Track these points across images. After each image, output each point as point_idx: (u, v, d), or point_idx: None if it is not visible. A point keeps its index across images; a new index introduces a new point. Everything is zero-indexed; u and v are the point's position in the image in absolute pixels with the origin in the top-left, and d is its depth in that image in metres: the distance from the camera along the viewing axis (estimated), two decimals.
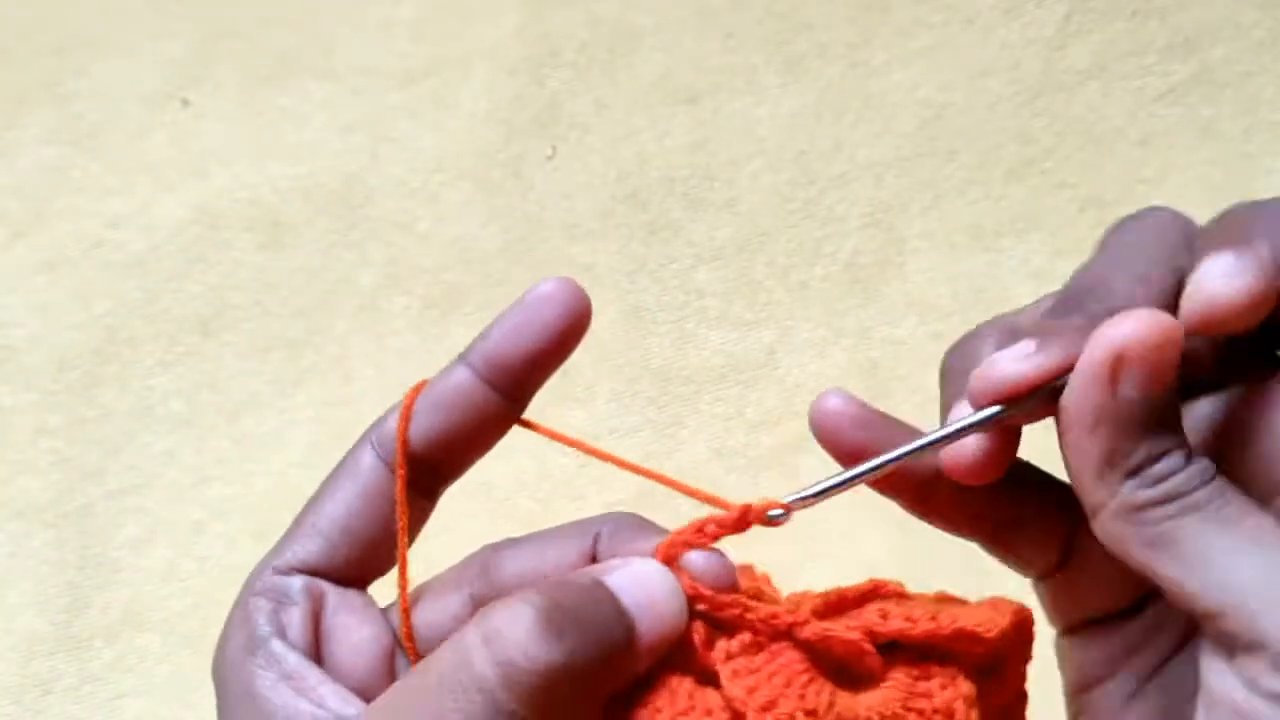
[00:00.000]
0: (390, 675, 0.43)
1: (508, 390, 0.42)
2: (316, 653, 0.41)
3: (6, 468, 0.87)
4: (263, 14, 1.05)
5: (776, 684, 0.36)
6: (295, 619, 0.41)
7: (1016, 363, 0.37)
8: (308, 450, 0.85)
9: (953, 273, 0.87)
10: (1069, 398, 0.35)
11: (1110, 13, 0.97)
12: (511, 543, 0.44)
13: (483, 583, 0.43)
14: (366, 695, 0.40)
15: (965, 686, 0.38)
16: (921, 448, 0.38)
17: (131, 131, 1.01)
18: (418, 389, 0.42)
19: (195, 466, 0.86)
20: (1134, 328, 0.35)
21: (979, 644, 0.38)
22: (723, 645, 0.37)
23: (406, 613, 0.43)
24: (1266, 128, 0.91)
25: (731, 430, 0.84)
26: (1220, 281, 0.36)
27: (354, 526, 0.42)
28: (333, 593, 0.42)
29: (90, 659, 0.81)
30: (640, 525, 0.43)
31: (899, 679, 0.38)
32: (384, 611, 0.44)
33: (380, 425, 0.43)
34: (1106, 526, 0.36)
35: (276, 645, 0.40)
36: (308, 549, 0.42)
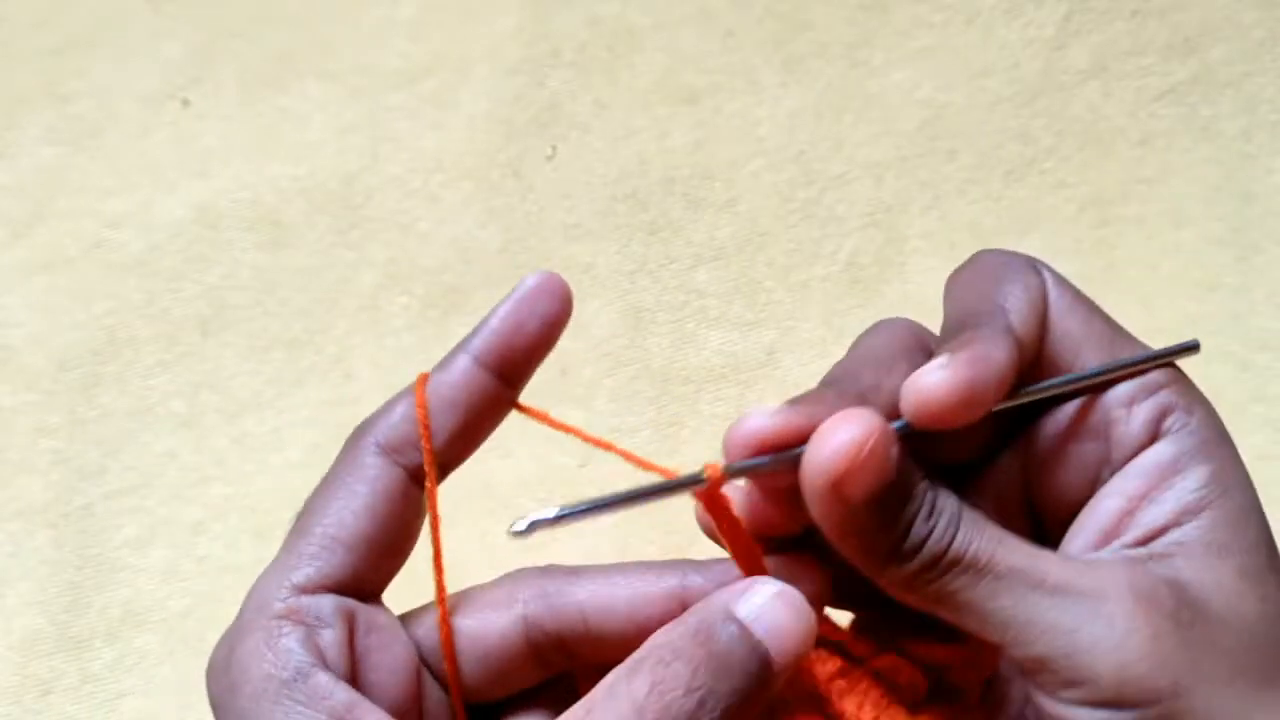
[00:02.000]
0: (419, 694, 0.41)
1: (509, 377, 0.43)
2: (354, 680, 0.39)
3: (6, 468, 0.87)
4: (263, 14, 1.05)
5: (875, 701, 0.39)
6: (332, 644, 0.39)
7: (762, 418, 0.39)
8: (308, 450, 0.85)
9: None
10: (811, 509, 0.37)
11: (1110, 13, 0.97)
12: (572, 572, 0.44)
13: (541, 606, 0.43)
14: (401, 714, 0.39)
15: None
16: (643, 495, 0.40)
17: (131, 131, 1.01)
18: (423, 382, 0.42)
19: (195, 466, 0.86)
20: (842, 442, 0.36)
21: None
22: (822, 668, 0.39)
23: (448, 629, 0.42)
24: (1266, 128, 0.91)
25: None
26: (926, 381, 0.38)
27: (374, 535, 0.41)
28: (361, 610, 0.41)
29: (90, 659, 0.81)
30: (723, 569, 0.42)
31: (939, 705, 0.40)
32: (402, 623, 0.43)
33: (383, 422, 0.42)
34: (899, 596, 0.38)
35: (322, 679, 0.37)
36: (333, 564, 0.40)
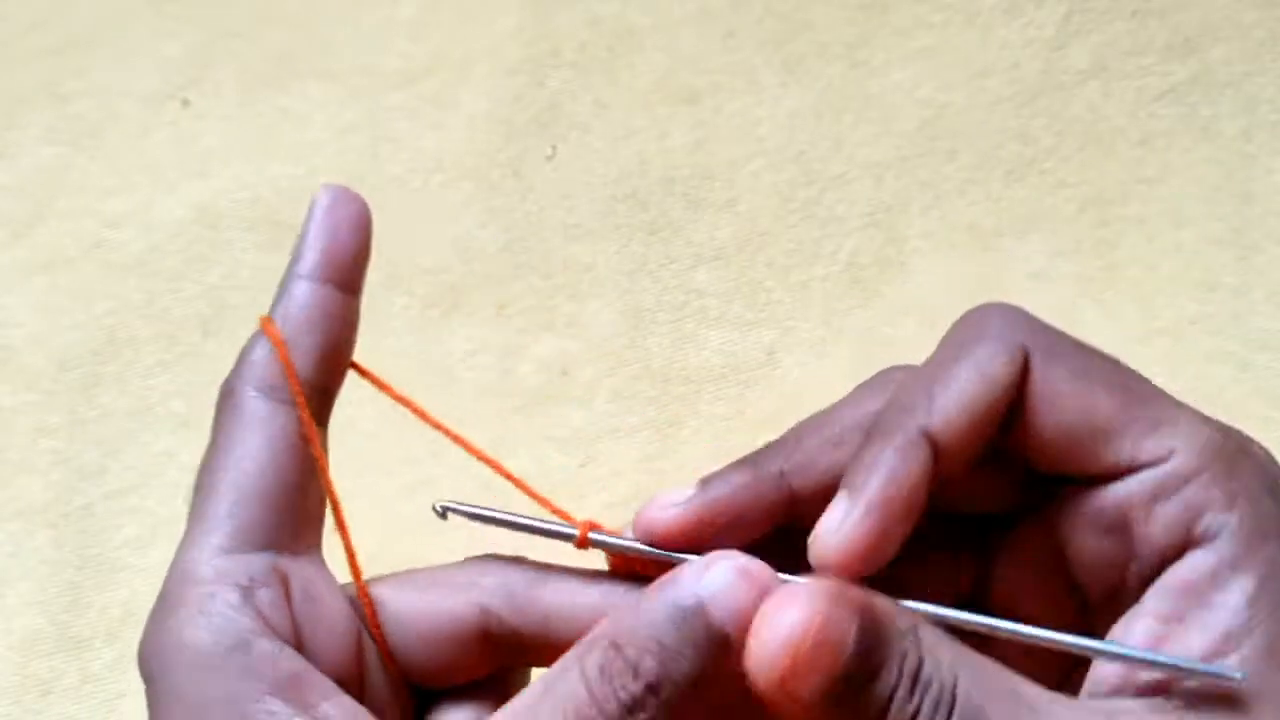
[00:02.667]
0: (360, 661, 0.39)
1: (346, 284, 0.42)
2: (297, 643, 0.36)
3: (6, 468, 0.87)
4: (263, 14, 1.05)
5: None
6: (270, 605, 0.36)
7: (660, 511, 0.38)
8: None
9: (953, 273, 0.87)
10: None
11: (1110, 13, 0.97)
12: (542, 569, 0.42)
13: (504, 599, 0.41)
14: (343, 682, 0.37)
15: None
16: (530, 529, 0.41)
17: (131, 131, 1.00)
18: (268, 321, 0.42)
19: (195, 466, 0.85)
20: (789, 624, 0.31)
21: None
22: None
23: (361, 583, 0.40)
24: (1266, 128, 0.91)
25: (731, 430, 0.84)
26: (824, 544, 0.35)
27: (284, 480, 0.39)
28: (293, 567, 0.38)
29: (90, 659, 0.81)
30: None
31: None
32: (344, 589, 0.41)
33: (248, 368, 0.41)
34: None
35: (266, 645, 0.35)
36: (250, 518, 0.37)
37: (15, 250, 0.96)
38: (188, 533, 0.38)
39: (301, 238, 0.42)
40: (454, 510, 0.41)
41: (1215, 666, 0.33)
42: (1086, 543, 0.37)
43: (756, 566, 0.34)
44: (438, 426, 0.45)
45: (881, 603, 0.33)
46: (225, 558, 0.37)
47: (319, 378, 0.41)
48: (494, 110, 0.98)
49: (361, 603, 0.41)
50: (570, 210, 0.93)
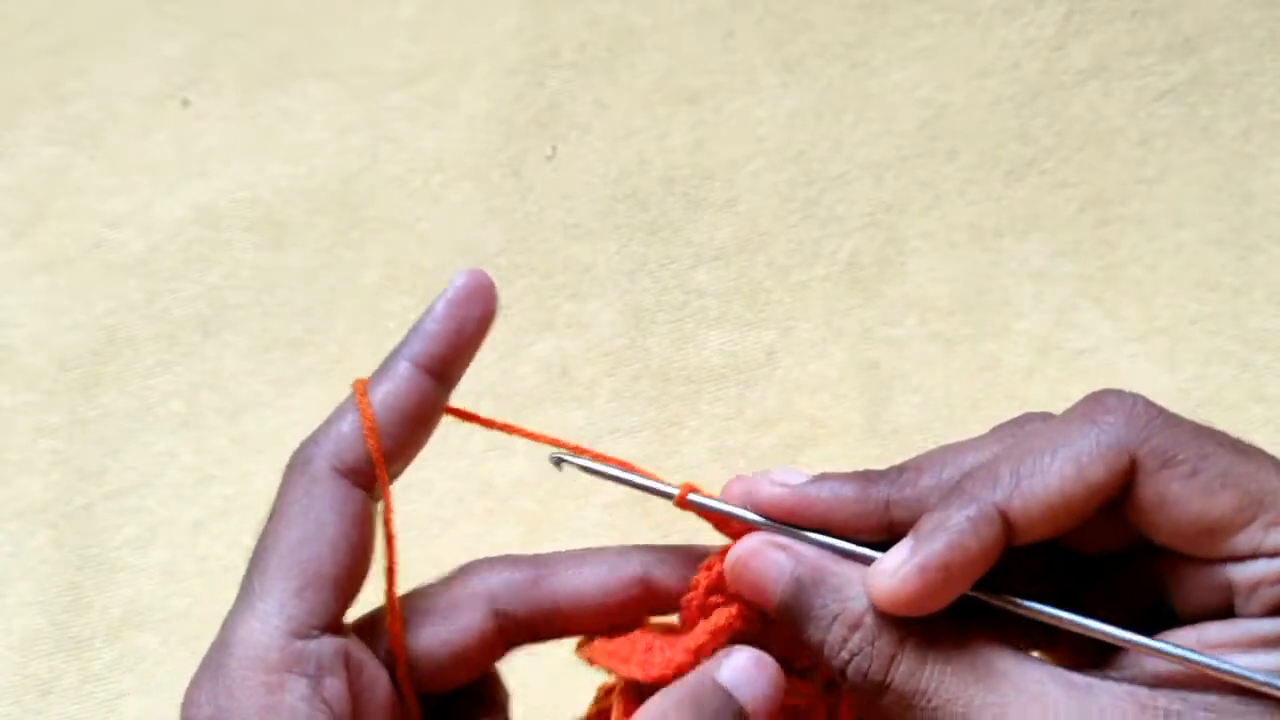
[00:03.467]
0: (395, 708, 0.41)
1: (446, 379, 0.43)
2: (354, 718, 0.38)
3: (6, 468, 0.87)
4: (263, 14, 1.05)
5: None
6: (336, 694, 0.38)
7: (776, 488, 0.40)
8: None
9: (953, 273, 0.87)
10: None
11: (1110, 13, 0.97)
12: (537, 561, 0.43)
13: (513, 597, 0.42)
14: None
15: None
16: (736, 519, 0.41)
17: (131, 131, 1.01)
18: (363, 389, 0.42)
19: (195, 466, 0.86)
20: (735, 549, 0.40)
21: None
22: None
23: (404, 662, 0.41)
24: (1266, 128, 0.91)
25: (731, 430, 0.84)
26: (880, 582, 0.38)
27: (353, 565, 0.40)
28: (352, 648, 0.39)
29: (90, 659, 0.81)
30: (683, 556, 0.44)
31: None
32: (361, 637, 0.41)
33: (333, 441, 0.41)
34: None
35: None
36: (323, 601, 0.38)
37: (15, 250, 0.96)
38: (248, 598, 0.38)
39: (426, 314, 0.43)
40: (568, 461, 0.43)
41: (1272, 676, 0.35)
42: (1188, 597, 0.38)
43: (762, 655, 0.39)
44: (527, 435, 0.47)
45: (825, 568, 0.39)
46: (294, 641, 0.37)
47: (395, 466, 0.41)
48: (494, 110, 0.98)
49: (397, 658, 0.42)
50: (570, 210, 0.94)
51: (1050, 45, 0.96)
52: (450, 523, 0.81)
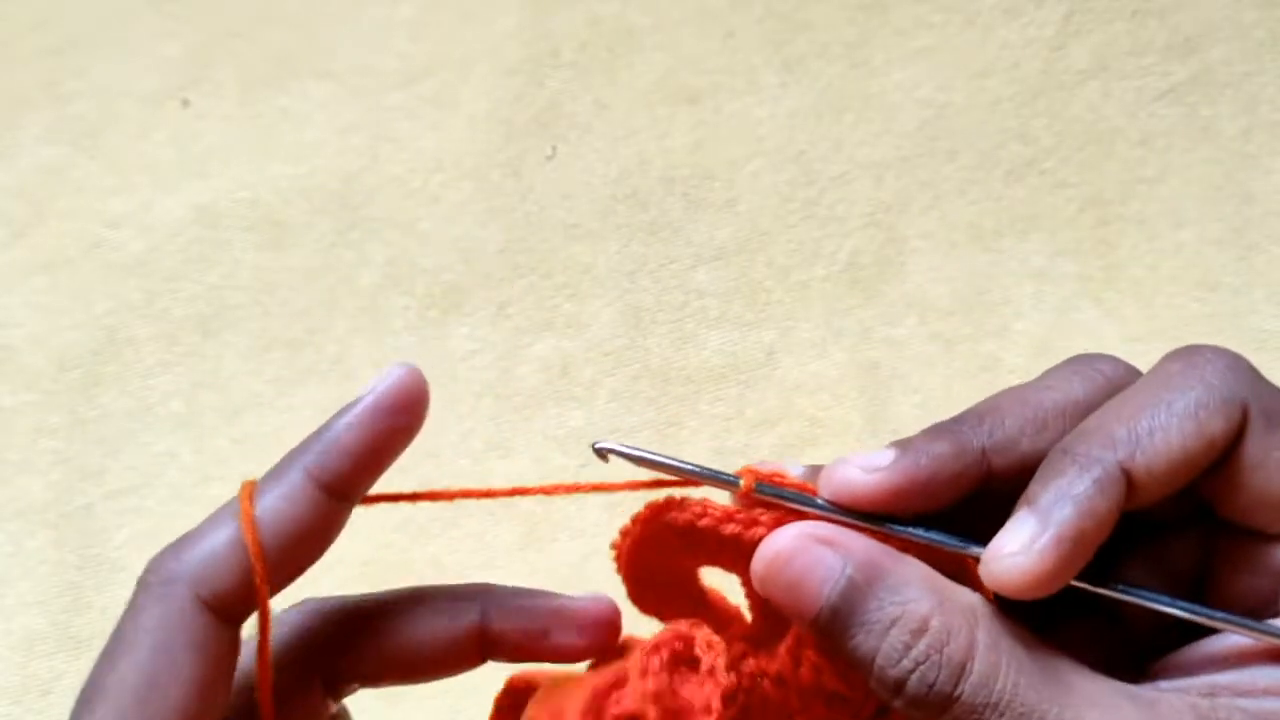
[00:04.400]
0: None
1: (349, 497, 0.38)
2: None
3: (6, 468, 0.87)
4: (263, 14, 1.05)
5: None
6: None
7: (866, 474, 0.36)
8: None
9: (953, 273, 0.87)
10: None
11: (1110, 13, 0.97)
12: (362, 612, 0.40)
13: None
14: None
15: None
16: (808, 504, 0.37)
17: (131, 131, 1.00)
18: (249, 496, 0.36)
19: (195, 466, 0.86)
20: (762, 552, 0.36)
21: None
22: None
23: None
24: (1266, 128, 0.91)
25: (731, 430, 0.84)
26: (1002, 565, 0.35)
27: (210, 709, 0.35)
28: None
29: (90, 659, 0.80)
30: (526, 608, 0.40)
31: None
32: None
33: (203, 564, 0.35)
34: None
35: None
36: None
37: (15, 250, 0.96)
38: None
39: (335, 419, 0.37)
40: (614, 452, 0.38)
41: None
42: (1235, 578, 0.37)
43: None
44: (452, 495, 0.42)
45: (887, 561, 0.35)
46: None
47: (279, 588, 0.36)
48: (494, 110, 0.98)
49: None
50: (570, 210, 0.93)
51: (1050, 45, 0.96)
52: (450, 523, 0.81)
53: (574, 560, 0.79)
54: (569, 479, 0.83)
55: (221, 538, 0.36)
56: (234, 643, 0.36)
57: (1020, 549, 0.34)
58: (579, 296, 0.90)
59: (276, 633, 0.38)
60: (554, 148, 0.96)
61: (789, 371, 0.86)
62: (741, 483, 0.37)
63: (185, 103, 1.02)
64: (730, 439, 0.83)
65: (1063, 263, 0.87)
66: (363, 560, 0.78)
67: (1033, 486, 0.35)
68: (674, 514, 0.38)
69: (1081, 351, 0.40)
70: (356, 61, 1.02)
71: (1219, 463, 0.35)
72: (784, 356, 0.86)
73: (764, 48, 0.99)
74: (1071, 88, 0.94)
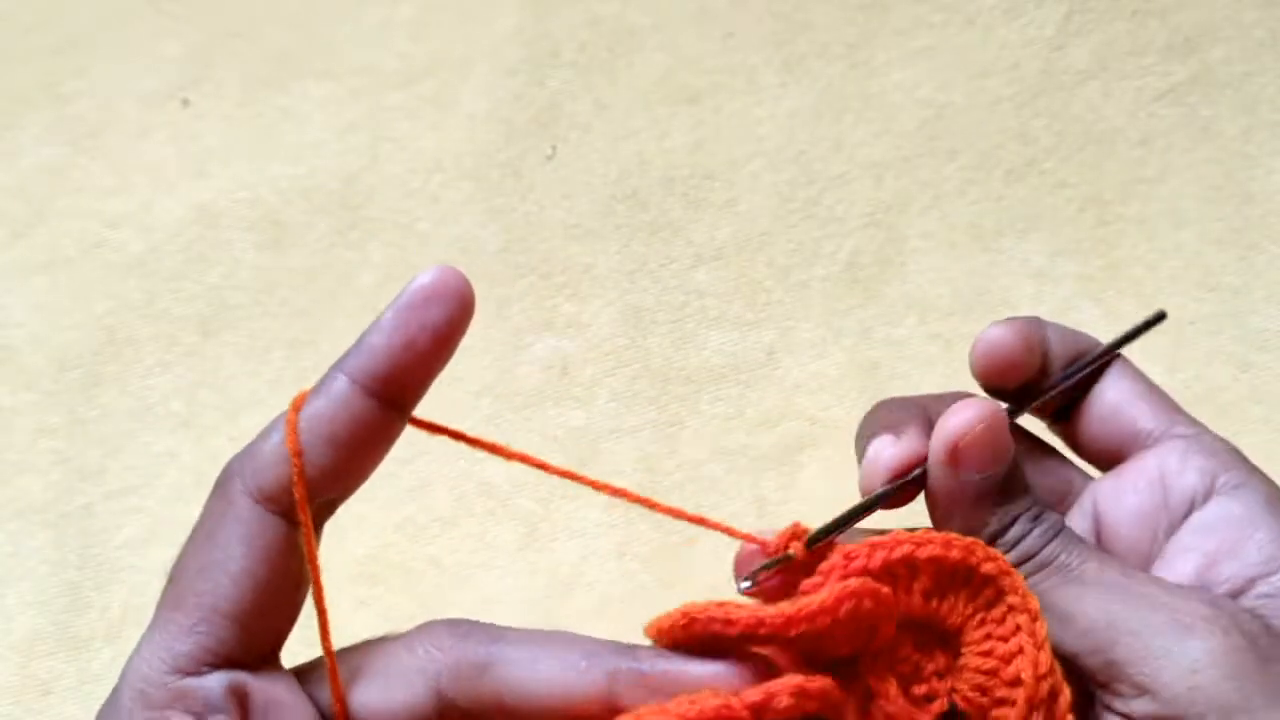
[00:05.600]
0: None
1: (396, 401, 0.37)
2: None
3: (6, 468, 0.87)
4: (263, 14, 1.05)
5: None
6: None
7: (886, 448, 0.42)
8: None
9: (953, 273, 0.87)
10: (930, 484, 0.41)
11: (1110, 13, 0.97)
12: (493, 637, 0.38)
13: (454, 681, 0.37)
14: None
15: None
16: (856, 515, 0.42)
17: (131, 131, 1.00)
18: (297, 408, 0.37)
19: (195, 466, 0.86)
20: (964, 417, 0.40)
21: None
22: None
23: (342, 703, 0.37)
24: (1266, 128, 0.91)
25: (731, 430, 0.84)
26: (991, 332, 0.44)
27: (259, 599, 0.36)
28: (254, 684, 0.36)
29: (90, 659, 0.81)
30: (665, 661, 0.38)
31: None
32: (302, 678, 0.38)
33: (253, 468, 0.37)
34: None
35: None
36: (216, 636, 0.35)
37: (15, 250, 0.96)
38: (152, 629, 0.36)
39: (374, 323, 0.37)
40: (819, 540, 0.40)
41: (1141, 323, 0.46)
42: (1125, 506, 0.43)
43: None
44: (504, 453, 0.43)
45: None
46: (180, 679, 0.35)
47: (325, 490, 0.37)
48: (494, 110, 0.98)
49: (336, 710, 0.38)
50: (570, 210, 0.94)
51: (1050, 45, 0.96)
52: (450, 522, 0.81)
53: (574, 560, 0.79)
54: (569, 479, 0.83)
55: (272, 439, 0.37)
56: (287, 537, 0.36)
57: (994, 323, 0.43)
58: (579, 296, 0.90)
59: (406, 645, 0.39)
60: (554, 148, 0.96)
61: (789, 371, 0.86)
62: (792, 551, 0.40)
63: (185, 103, 1.02)
64: (730, 439, 0.83)
65: (1063, 263, 0.87)
66: (362, 559, 0.78)
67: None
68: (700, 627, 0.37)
69: None
70: (356, 61, 1.02)
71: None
72: (784, 356, 0.86)
73: (764, 48, 0.99)
74: (1071, 88, 0.94)
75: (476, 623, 0.39)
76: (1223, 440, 0.43)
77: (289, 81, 1.01)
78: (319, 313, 0.91)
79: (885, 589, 0.38)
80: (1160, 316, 0.46)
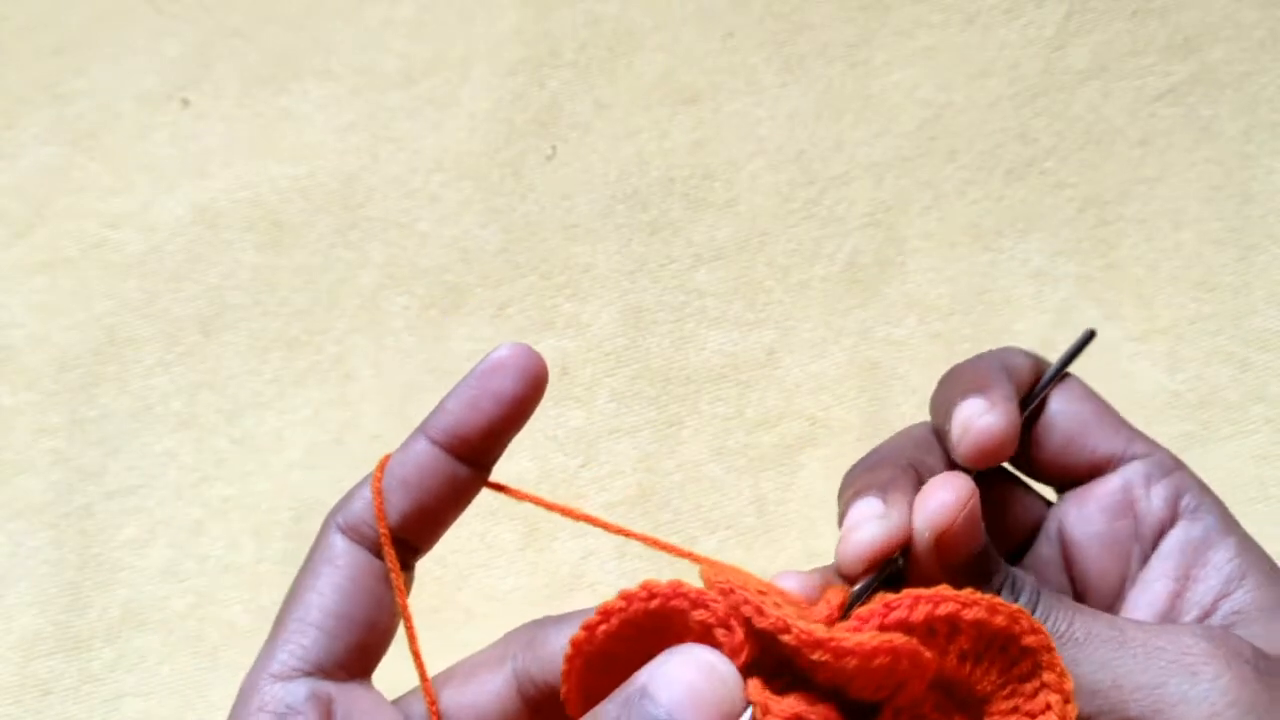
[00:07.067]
0: None
1: (471, 459, 0.42)
2: None
3: (6, 468, 0.87)
4: (263, 14, 1.05)
5: None
6: None
7: (872, 529, 0.41)
8: (308, 450, 0.85)
9: (953, 273, 0.87)
10: (914, 563, 0.41)
11: (1110, 13, 0.97)
12: (560, 620, 0.43)
13: (528, 657, 0.42)
14: None
15: None
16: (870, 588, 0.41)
17: (131, 131, 1.00)
18: (383, 466, 0.42)
19: (195, 466, 0.86)
20: (944, 502, 0.40)
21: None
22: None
23: (433, 699, 0.42)
24: (1266, 128, 0.91)
25: (731, 430, 0.84)
26: (981, 422, 0.42)
27: (344, 614, 0.41)
28: (339, 693, 0.40)
29: (90, 659, 0.81)
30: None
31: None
32: (398, 704, 0.42)
33: (345, 509, 0.42)
34: None
35: None
36: (303, 645, 0.40)
37: (15, 250, 0.96)
38: (261, 651, 0.41)
39: (454, 390, 0.42)
40: (861, 598, 0.40)
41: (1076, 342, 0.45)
42: (1097, 535, 0.44)
43: (706, 657, 0.37)
44: (579, 516, 0.47)
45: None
46: (272, 684, 0.40)
47: (400, 531, 0.42)
48: (494, 110, 0.98)
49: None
50: (570, 210, 0.94)
51: (1050, 45, 0.96)
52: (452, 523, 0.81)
53: (574, 560, 0.79)
54: (568, 479, 0.83)
55: (359, 497, 0.42)
56: (370, 564, 0.41)
57: (983, 411, 0.42)
58: (579, 296, 0.90)
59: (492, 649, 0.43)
60: (554, 148, 0.96)
61: (789, 371, 0.86)
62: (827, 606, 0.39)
63: (185, 103, 1.02)
64: (730, 439, 0.83)
65: (1063, 263, 0.87)
66: None
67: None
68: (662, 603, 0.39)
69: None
70: (356, 61, 1.02)
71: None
72: (784, 356, 0.86)
73: (764, 48, 0.99)
74: (1071, 88, 0.94)
75: (548, 615, 0.43)
76: (1174, 457, 0.45)
77: (289, 81, 1.01)
78: (319, 313, 0.91)
79: (929, 654, 0.37)
80: (1090, 335, 0.46)
